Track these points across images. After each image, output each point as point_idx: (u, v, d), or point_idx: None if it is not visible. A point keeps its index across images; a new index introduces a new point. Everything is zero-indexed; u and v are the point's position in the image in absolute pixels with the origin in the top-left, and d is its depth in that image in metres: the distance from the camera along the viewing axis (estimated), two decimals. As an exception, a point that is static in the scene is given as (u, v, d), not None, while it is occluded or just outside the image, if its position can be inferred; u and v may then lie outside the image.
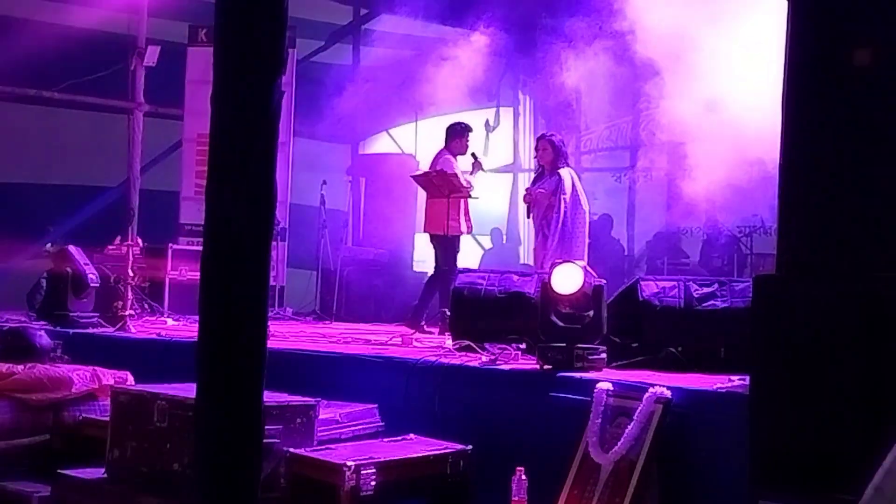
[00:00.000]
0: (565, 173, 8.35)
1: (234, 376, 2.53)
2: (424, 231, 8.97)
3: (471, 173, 8.81)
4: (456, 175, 8.55)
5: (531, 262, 8.66)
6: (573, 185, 8.32)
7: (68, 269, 8.15)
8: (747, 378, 3.54)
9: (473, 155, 8.92)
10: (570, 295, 5.02)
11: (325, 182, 11.70)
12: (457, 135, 8.98)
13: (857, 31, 3.36)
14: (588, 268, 5.28)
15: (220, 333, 2.54)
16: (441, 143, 9.07)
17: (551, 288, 5.10)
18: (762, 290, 3.46)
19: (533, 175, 9.06)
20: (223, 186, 2.53)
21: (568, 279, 5.07)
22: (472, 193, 8.72)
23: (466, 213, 8.77)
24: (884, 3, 3.33)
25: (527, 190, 8.62)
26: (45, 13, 11.75)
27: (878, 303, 3.15)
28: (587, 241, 8.47)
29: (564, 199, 8.23)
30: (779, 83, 3.53)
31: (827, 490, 3.20)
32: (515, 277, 6.26)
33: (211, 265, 2.56)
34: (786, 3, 3.56)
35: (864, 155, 3.30)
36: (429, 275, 9.19)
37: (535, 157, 8.78)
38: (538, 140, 9.09)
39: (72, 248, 8.36)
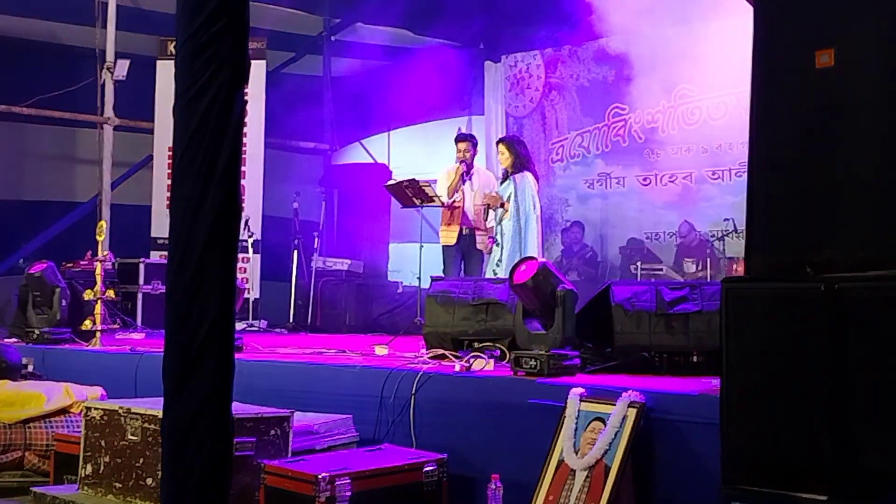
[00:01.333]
0: (518, 178, 8.37)
1: (202, 389, 2.52)
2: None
3: (462, 181, 8.77)
4: (429, 184, 8.52)
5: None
6: (525, 189, 8.33)
7: (40, 285, 8.08)
8: (718, 380, 3.55)
9: (464, 162, 8.91)
10: (527, 283, 5.02)
11: (297, 193, 11.70)
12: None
13: (820, 35, 3.39)
14: (549, 262, 5.28)
15: (187, 346, 2.53)
16: (414, 153, 9.06)
17: (514, 284, 5.11)
18: (731, 293, 3.48)
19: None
20: (187, 197, 2.52)
21: (523, 268, 5.10)
22: (445, 201, 8.69)
23: (452, 222, 8.71)
24: (844, 8, 3.37)
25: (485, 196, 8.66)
26: (12, 28, 11.68)
27: (844, 305, 3.17)
28: (541, 246, 8.49)
29: (514, 204, 8.26)
30: (747, 87, 3.55)
31: (799, 490, 3.22)
32: (488, 284, 6.26)
33: (176, 277, 2.55)
34: (751, 8, 3.59)
35: (829, 154, 3.33)
36: None
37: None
38: (496, 144, 9.15)
39: (44, 263, 8.30)
